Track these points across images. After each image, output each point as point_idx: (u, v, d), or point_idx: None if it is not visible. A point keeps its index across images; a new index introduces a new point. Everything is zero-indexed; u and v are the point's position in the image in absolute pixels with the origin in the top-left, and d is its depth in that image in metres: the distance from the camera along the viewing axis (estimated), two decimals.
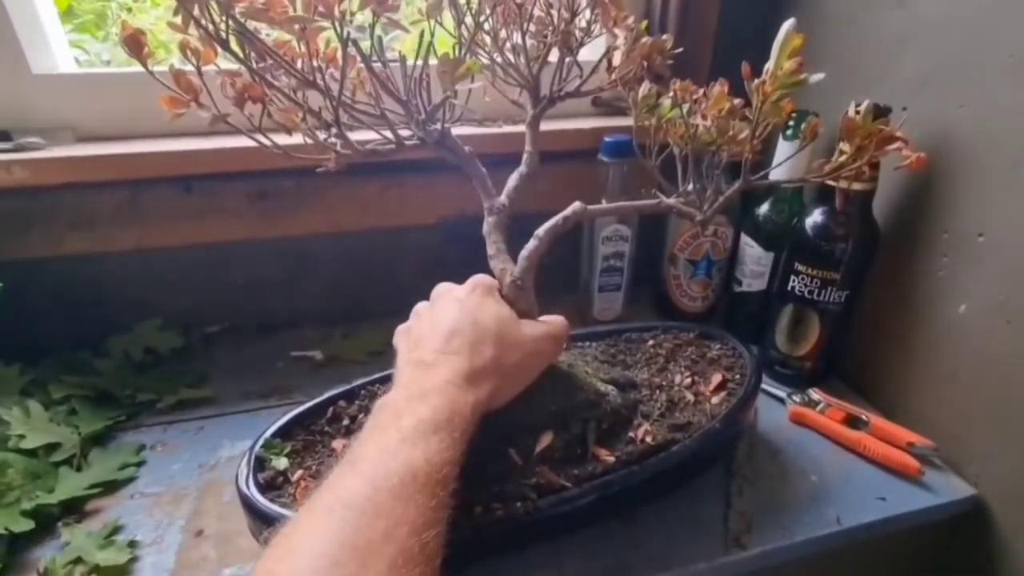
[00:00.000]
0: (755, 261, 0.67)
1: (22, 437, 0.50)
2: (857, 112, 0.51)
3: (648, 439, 0.44)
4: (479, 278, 0.43)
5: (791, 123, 0.60)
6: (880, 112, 0.51)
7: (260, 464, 0.43)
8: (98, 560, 0.42)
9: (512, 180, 0.47)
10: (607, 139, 0.64)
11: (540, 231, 0.45)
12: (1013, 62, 0.46)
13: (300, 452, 0.45)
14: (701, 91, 0.46)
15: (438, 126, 0.42)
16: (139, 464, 0.52)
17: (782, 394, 0.61)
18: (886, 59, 0.57)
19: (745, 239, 0.68)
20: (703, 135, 0.45)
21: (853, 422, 0.56)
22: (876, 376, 0.62)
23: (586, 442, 0.43)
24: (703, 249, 0.69)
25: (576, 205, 0.46)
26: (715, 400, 0.49)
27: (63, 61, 0.63)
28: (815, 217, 0.57)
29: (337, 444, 0.45)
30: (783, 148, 0.61)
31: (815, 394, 0.59)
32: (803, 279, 0.58)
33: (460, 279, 0.44)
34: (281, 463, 0.43)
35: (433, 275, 0.45)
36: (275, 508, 0.40)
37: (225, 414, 0.59)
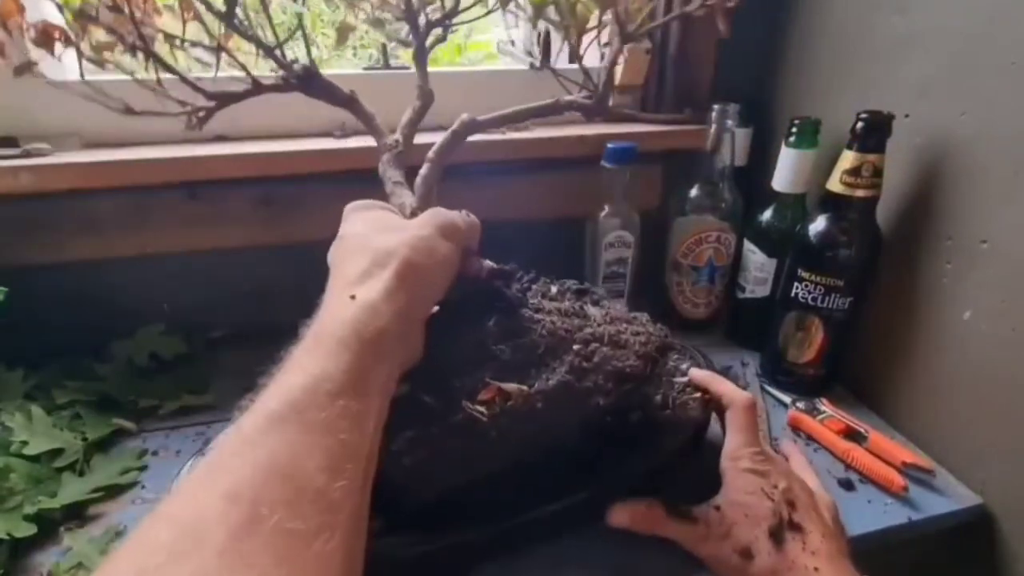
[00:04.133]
0: (758, 267, 0.67)
1: (25, 443, 0.50)
2: (859, 120, 0.52)
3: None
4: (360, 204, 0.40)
5: (793, 129, 0.60)
6: (882, 119, 0.51)
7: None
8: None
9: (406, 114, 0.46)
10: (610, 145, 0.64)
11: (431, 153, 0.44)
12: (1015, 68, 0.46)
13: None
14: None
15: (302, 63, 0.40)
16: (141, 469, 0.52)
17: (786, 400, 0.61)
18: (887, 66, 0.57)
19: (748, 245, 0.68)
20: (582, 11, 0.44)
21: (854, 435, 0.56)
22: (880, 383, 0.62)
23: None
24: (706, 255, 0.69)
25: (464, 117, 0.45)
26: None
27: (70, 68, 0.63)
28: (818, 223, 0.57)
29: None
30: (786, 155, 0.62)
31: (822, 404, 0.59)
32: (806, 286, 0.58)
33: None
34: None
35: None
36: None
37: (228, 420, 0.59)
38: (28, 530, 0.44)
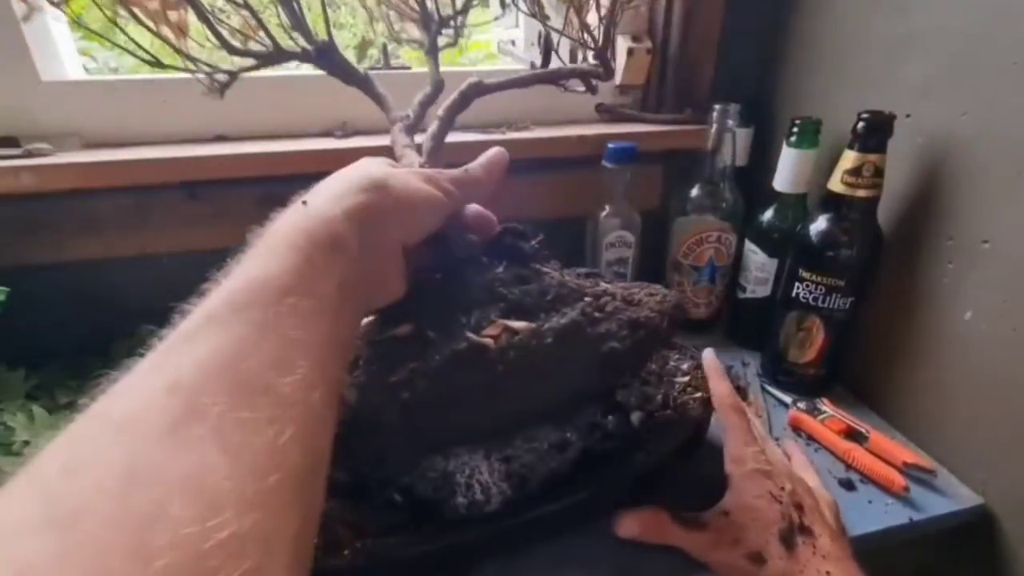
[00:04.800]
0: (759, 267, 0.67)
1: (27, 442, 0.50)
2: (860, 120, 0.52)
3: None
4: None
5: (794, 129, 0.60)
6: (884, 119, 0.51)
7: None
8: None
9: (417, 96, 0.47)
10: (611, 145, 0.64)
11: (440, 111, 0.44)
12: (1016, 68, 0.46)
13: None
14: None
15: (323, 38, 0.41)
16: None
17: (787, 400, 0.61)
18: (888, 66, 0.57)
19: (749, 245, 0.68)
20: None
21: (855, 435, 0.56)
22: (881, 383, 0.62)
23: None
24: (707, 255, 0.69)
25: (471, 79, 0.45)
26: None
27: (72, 68, 0.63)
28: (819, 223, 0.57)
29: None
30: (787, 155, 0.62)
31: (822, 404, 0.59)
32: (807, 286, 0.58)
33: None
34: None
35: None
36: None
37: None
38: None
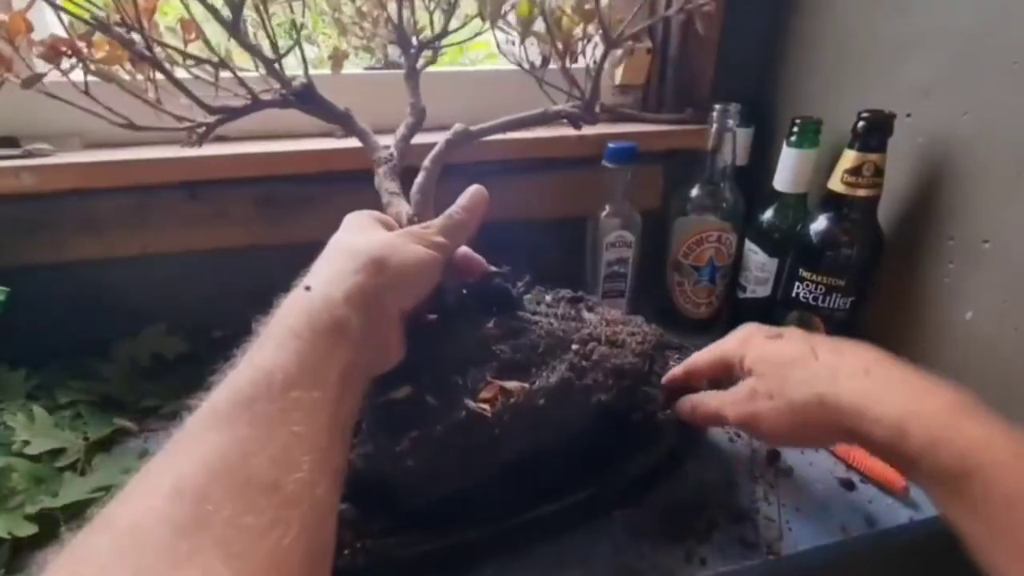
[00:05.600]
0: (759, 267, 0.67)
1: (27, 442, 0.50)
2: (860, 119, 0.52)
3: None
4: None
5: (795, 129, 0.60)
6: (884, 118, 0.51)
7: None
8: None
9: (400, 130, 0.47)
10: (611, 145, 0.64)
11: (427, 161, 0.44)
12: (1017, 68, 0.46)
13: None
14: None
15: (301, 79, 0.41)
16: None
17: None
18: (889, 66, 0.57)
19: (749, 245, 0.68)
20: (567, 24, 0.44)
21: None
22: None
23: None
24: (707, 255, 0.69)
25: (457, 127, 0.45)
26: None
27: (73, 73, 0.63)
28: (819, 223, 0.57)
29: None
30: (787, 154, 0.61)
31: None
32: (808, 285, 0.58)
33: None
34: None
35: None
36: None
37: None
38: (29, 529, 0.44)
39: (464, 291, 0.42)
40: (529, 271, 0.50)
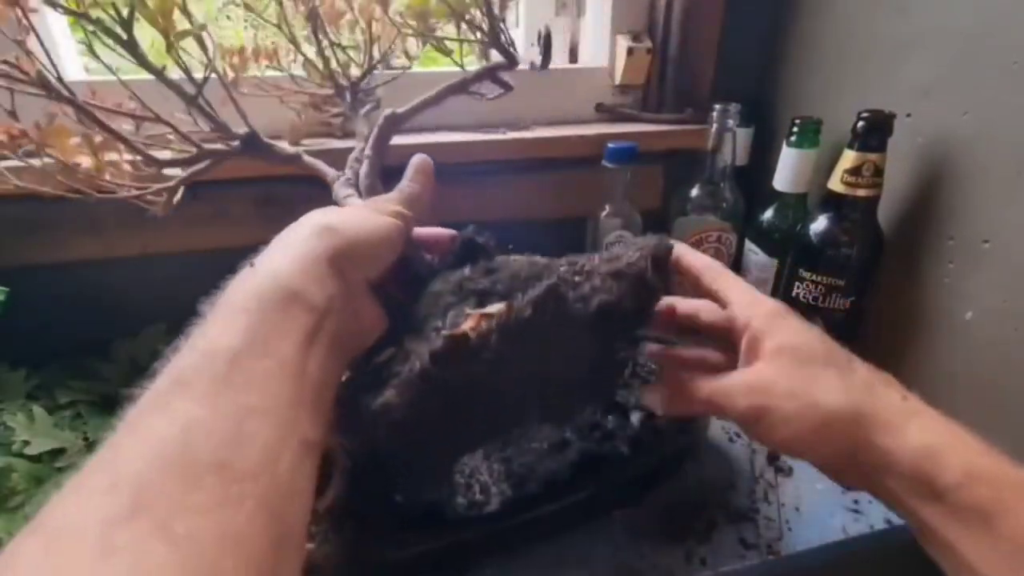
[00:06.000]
0: (759, 267, 0.67)
1: (27, 443, 0.50)
2: (860, 119, 0.52)
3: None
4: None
5: (795, 129, 0.60)
6: (884, 118, 0.51)
7: None
8: None
9: (352, 154, 0.46)
10: (610, 145, 0.64)
11: (367, 150, 0.43)
12: (1017, 68, 0.46)
13: None
14: None
15: (243, 129, 0.40)
16: None
17: None
18: (889, 66, 0.57)
19: (749, 245, 0.68)
20: None
21: None
22: None
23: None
24: (707, 255, 0.69)
25: (386, 112, 0.44)
26: None
27: (72, 68, 0.63)
28: (819, 223, 0.57)
29: None
30: (787, 154, 0.61)
31: None
32: (807, 286, 0.58)
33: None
34: None
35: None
36: None
37: None
38: None
39: (435, 261, 0.39)
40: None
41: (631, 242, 0.38)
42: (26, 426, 0.51)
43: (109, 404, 0.58)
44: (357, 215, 0.33)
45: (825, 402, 0.31)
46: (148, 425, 0.21)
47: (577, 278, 0.34)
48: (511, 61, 0.44)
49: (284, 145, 0.47)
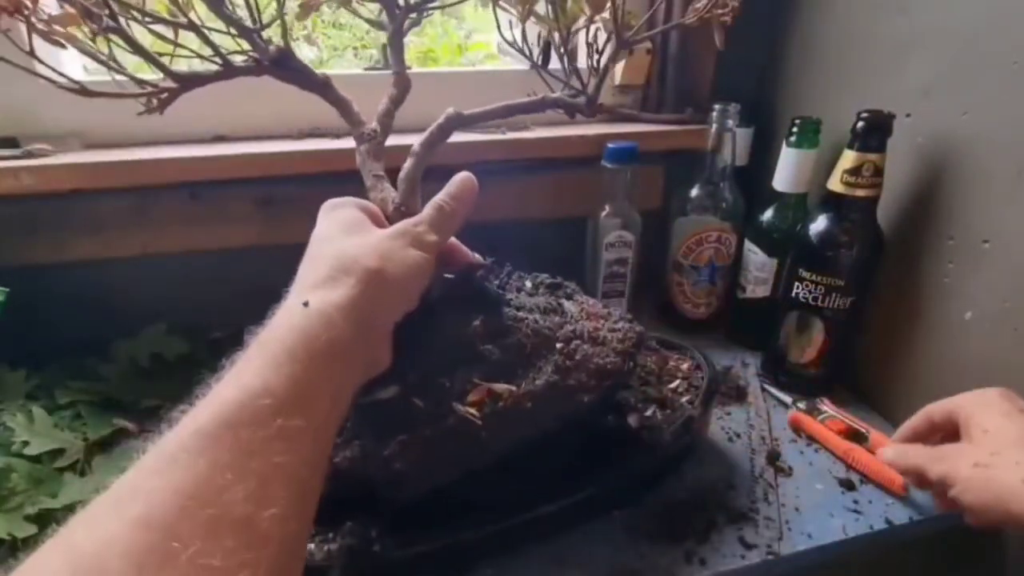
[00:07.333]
0: (759, 267, 0.67)
1: (26, 443, 0.50)
2: (860, 119, 0.52)
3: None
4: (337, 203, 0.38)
5: (794, 129, 0.60)
6: (883, 118, 0.51)
7: None
8: None
9: (382, 104, 0.44)
10: (610, 145, 0.64)
11: (416, 147, 0.42)
12: (1017, 68, 0.46)
13: None
14: None
15: (276, 43, 0.38)
16: None
17: (787, 400, 0.61)
18: (889, 66, 0.57)
19: (749, 245, 0.68)
20: (572, 9, 0.43)
21: (855, 435, 0.55)
22: (881, 383, 0.61)
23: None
24: (707, 255, 0.69)
25: (449, 111, 0.43)
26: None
27: (72, 68, 0.63)
28: (819, 223, 0.57)
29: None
30: (786, 155, 0.61)
31: (823, 404, 0.59)
32: (807, 286, 0.58)
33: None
34: None
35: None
36: None
37: None
38: (29, 530, 0.44)
39: (447, 279, 0.41)
40: (528, 271, 0.50)
41: (612, 323, 0.46)
42: (26, 426, 0.51)
43: (109, 404, 0.58)
44: (399, 255, 0.33)
45: (1000, 475, 0.35)
46: (187, 461, 0.22)
47: (568, 363, 0.41)
48: (593, 113, 0.45)
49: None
